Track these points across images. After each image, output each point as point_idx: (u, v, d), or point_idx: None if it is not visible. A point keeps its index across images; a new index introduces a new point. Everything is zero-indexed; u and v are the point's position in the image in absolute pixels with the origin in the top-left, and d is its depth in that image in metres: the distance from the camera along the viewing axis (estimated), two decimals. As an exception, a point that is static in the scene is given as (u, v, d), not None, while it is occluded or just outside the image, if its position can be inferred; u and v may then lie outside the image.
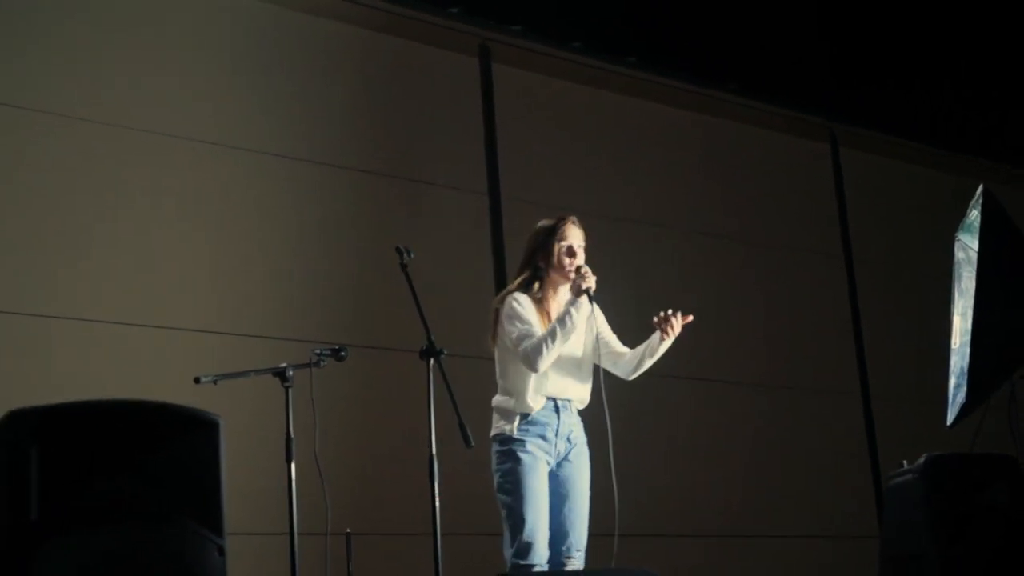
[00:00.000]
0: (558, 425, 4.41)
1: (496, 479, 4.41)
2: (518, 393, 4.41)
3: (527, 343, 4.34)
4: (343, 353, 4.62)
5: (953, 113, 9.09)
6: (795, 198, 8.47)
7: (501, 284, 6.85)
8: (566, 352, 4.43)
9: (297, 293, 6.19)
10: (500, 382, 4.50)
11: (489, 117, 7.14)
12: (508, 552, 4.34)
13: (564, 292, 4.50)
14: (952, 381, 4.71)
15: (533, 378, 4.38)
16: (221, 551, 3.43)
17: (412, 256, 4.40)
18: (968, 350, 4.58)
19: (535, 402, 4.39)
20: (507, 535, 4.36)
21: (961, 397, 4.59)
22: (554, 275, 4.51)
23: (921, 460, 4.82)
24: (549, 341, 4.32)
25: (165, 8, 6.07)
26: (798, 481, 7.83)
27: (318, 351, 4.59)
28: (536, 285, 4.50)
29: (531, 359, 4.33)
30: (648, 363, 4.60)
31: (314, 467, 4.50)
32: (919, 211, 8.82)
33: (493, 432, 4.46)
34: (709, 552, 7.33)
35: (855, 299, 8.62)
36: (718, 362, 7.73)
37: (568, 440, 4.45)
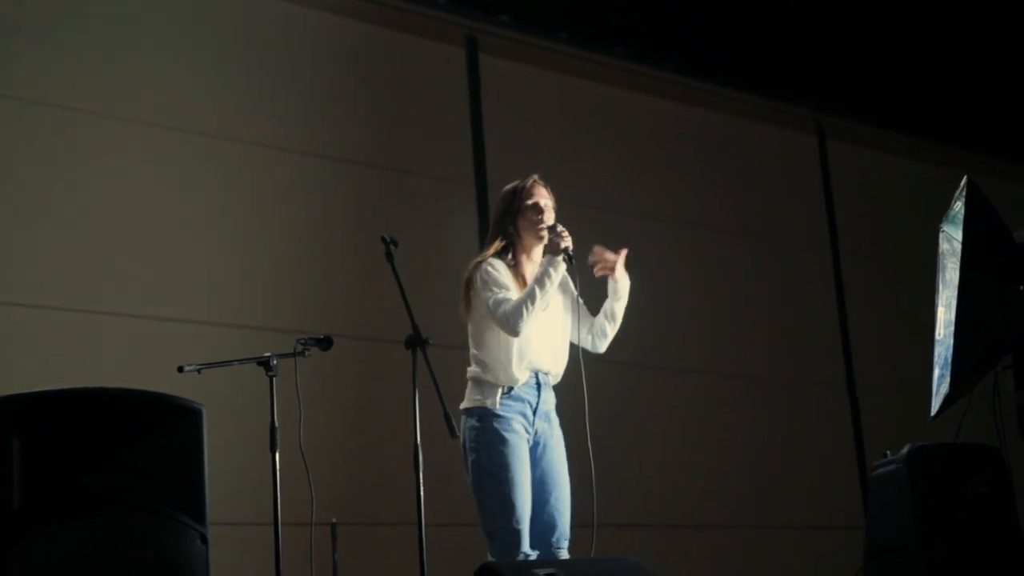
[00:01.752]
0: (538, 402, 4.26)
1: (472, 458, 4.23)
2: (500, 364, 4.23)
3: (505, 306, 4.17)
4: (328, 343, 4.61)
5: (939, 106, 9.12)
6: (782, 190, 8.48)
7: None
8: (546, 320, 4.28)
9: (283, 283, 6.18)
10: (475, 352, 4.31)
11: (476, 108, 7.13)
12: (492, 535, 4.17)
13: (538, 255, 4.36)
14: (936, 372, 4.71)
15: (516, 348, 4.21)
16: (204, 540, 3.43)
17: (397, 246, 4.37)
18: (952, 341, 4.57)
19: (520, 374, 4.23)
20: (487, 520, 4.19)
21: (945, 388, 4.59)
22: (526, 237, 4.36)
23: (905, 450, 4.83)
24: (529, 303, 4.16)
25: (159, 2, 6.05)
26: (784, 472, 7.85)
27: (303, 341, 4.58)
28: (509, 253, 4.35)
29: (510, 322, 4.16)
30: (617, 314, 4.39)
31: (299, 457, 4.49)
32: (905, 203, 8.84)
33: (467, 405, 4.28)
34: (694, 542, 7.34)
35: (841, 290, 8.64)
36: (703, 353, 7.74)
37: (546, 420, 4.30)
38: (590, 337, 4.44)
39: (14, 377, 4.24)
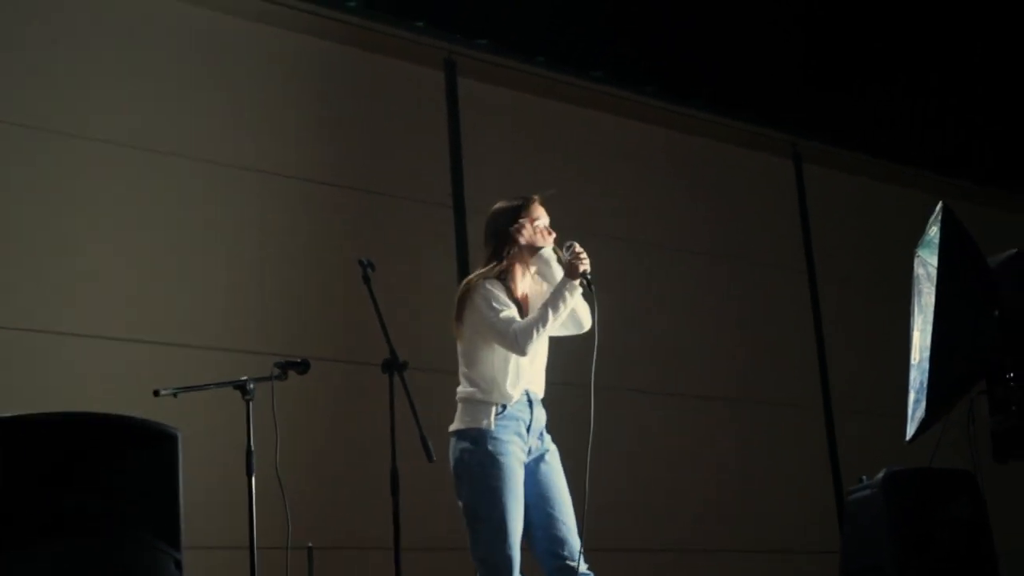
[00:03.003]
0: (531, 420, 4.17)
1: (464, 482, 4.11)
2: (494, 383, 4.13)
3: (515, 326, 4.08)
4: (305, 366, 4.60)
5: (915, 130, 9.19)
6: (759, 213, 8.52)
7: (465, 297, 6.85)
8: (542, 343, 4.20)
9: (259, 306, 6.17)
10: (466, 372, 4.20)
11: (454, 130, 7.15)
12: (482, 560, 4.07)
13: (529, 276, 4.28)
14: (912, 396, 4.73)
15: (512, 366, 4.13)
16: (178, 565, 3.41)
17: (374, 269, 4.36)
18: (928, 365, 4.60)
19: (515, 391, 4.14)
20: (479, 547, 4.09)
21: (920, 412, 4.61)
22: (522, 256, 4.27)
23: (880, 475, 4.84)
24: (540, 325, 4.08)
25: (133, 23, 6.05)
26: (760, 494, 7.86)
27: (280, 364, 4.56)
28: (504, 272, 4.26)
29: (519, 342, 4.05)
30: (561, 305, 4.16)
31: (275, 481, 4.47)
32: (881, 226, 8.89)
33: (459, 427, 4.17)
34: (670, 566, 7.34)
35: (818, 313, 8.67)
36: (680, 375, 7.75)
37: (540, 438, 4.21)
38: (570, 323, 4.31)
39: (-12, 400, 4.21)
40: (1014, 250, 4.72)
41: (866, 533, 4.82)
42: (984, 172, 9.58)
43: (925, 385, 4.56)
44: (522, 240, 4.26)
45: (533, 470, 4.20)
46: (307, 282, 6.36)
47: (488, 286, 4.20)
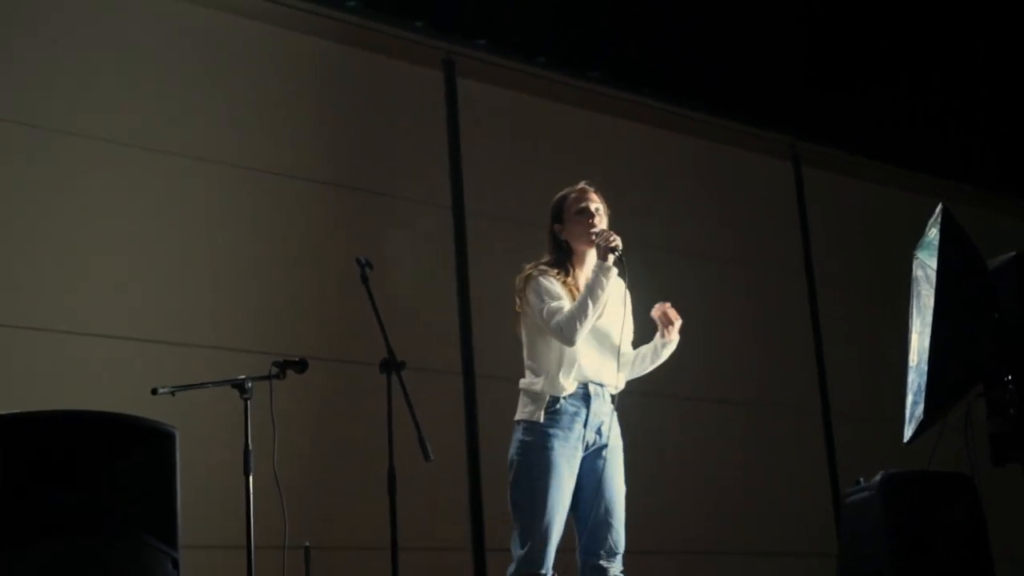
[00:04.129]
0: (587, 415, 4.20)
1: (513, 469, 4.20)
2: (548, 374, 4.20)
3: (559, 317, 4.14)
4: (303, 365, 4.60)
5: (914, 133, 9.19)
6: (758, 216, 8.51)
7: (464, 298, 6.85)
8: (600, 328, 4.24)
9: (258, 305, 6.16)
10: (529, 363, 4.29)
11: (453, 131, 7.14)
12: (516, 551, 4.14)
13: (591, 262, 4.28)
14: (910, 398, 4.72)
15: (565, 357, 4.19)
16: (175, 564, 3.41)
17: (372, 268, 4.36)
18: (926, 368, 4.59)
19: (567, 384, 4.18)
20: (517, 532, 4.17)
21: (918, 414, 4.61)
22: (576, 244, 4.33)
23: (878, 478, 4.84)
24: (581, 313, 4.13)
25: (133, 21, 6.04)
26: (757, 497, 7.85)
27: (278, 363, 4.56)
28: (561, 261, 4.33)
29: (564, 333, 4.13)
30: (646, 367, 4.43)
31: (272, 480, 4.47)
32: (880, 229, 8.88)
33: (518, 416, 4.25)
34: (666, 569, 7.33)
35: (816, 316, 8.67)
36: (678, 377, 7.71)
37: (599, 432, 4.24)
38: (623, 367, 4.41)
39: (-15, 398, 4.20)
40: (1013, 253, 4.71)
41: (864, 536, 4.81)
42: (983, 175, 9.58)
43: (923, 387, 4.56)
44: (563, 236, 4.35)
45: (590, 465, 4.24)
46: (306, 281, 6.35)
47: (538, 278, 4.27)
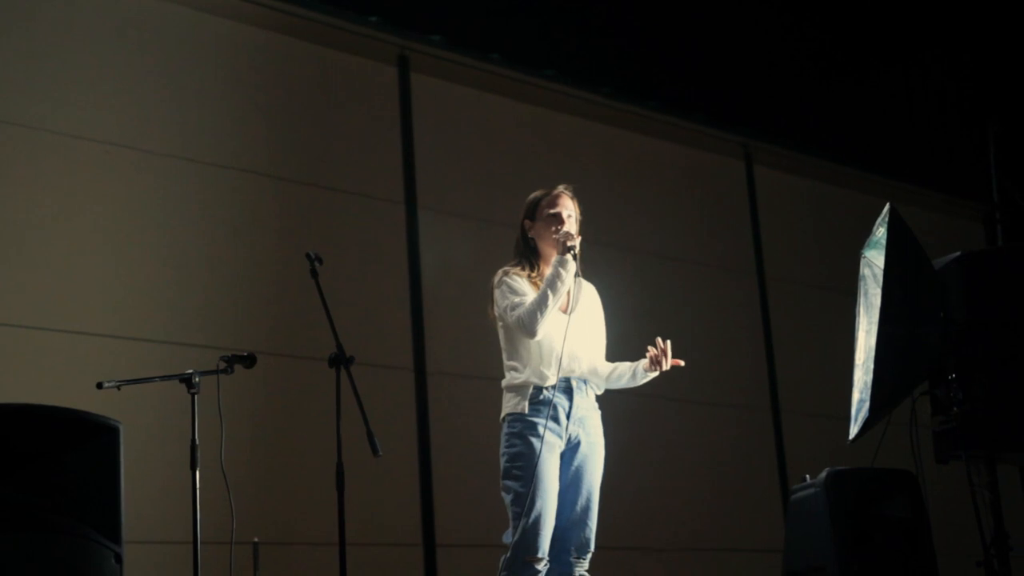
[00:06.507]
0: (570, 407, 4.31)
1: (503, 463, 4.28)
2: (531, 365, 4.31)
3: (519, 310, 4.27)
4: (252, 360, 4.57)
5: (863, 133, 9.27)
6: (709, 214, 8.55)
7: (416, 294, 6.84)
8: (574, 326, 4.33)
9: (207, 299, 6.12)
10: (507, 361, 4.39)
11: (407, 127, 7.13)
12: (510, 540, 4.20)
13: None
14: (856, 396, 4.77)
15: (544, 349, 4.29)
16: (118, 559, 3.38)
17: (322, 263, 4.35)
18: (872, 365, 4.64)
19: (550, 373, 4.29)
20: (511, 520, 4.22)
21: (864, 412, 4.65)
22: (543, 247, 4.44)
23: (823, 475, 4.89)
24: (541, 305, 4.24)
25: (78, 11, 5.97)
26: (706, 494, 7.89)
27: (226, 358, 4.53)
28: (530, 262, 4.44)
29: (524, 324, 4.25)
30: (621, 385, 4.52)
31: (220, 475, 4.45)
32: (830, 229, 8.96)
33: (503, 413, 4.35)
34: (614, 564, 7.35)
35: (767, 315, 8.72)
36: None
37: (581, 426, 4.34)
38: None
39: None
40: (958, 253, 4.77)
41: (808, 532, 4.86)
42: (932, 176, 9.68)
43: (869, 385, 4.60)
44: (531, 234, 4.45)
45: (568, 458, 4.32)
46: (255, 276, 6.32)
47: (506, 279, 4.39)
